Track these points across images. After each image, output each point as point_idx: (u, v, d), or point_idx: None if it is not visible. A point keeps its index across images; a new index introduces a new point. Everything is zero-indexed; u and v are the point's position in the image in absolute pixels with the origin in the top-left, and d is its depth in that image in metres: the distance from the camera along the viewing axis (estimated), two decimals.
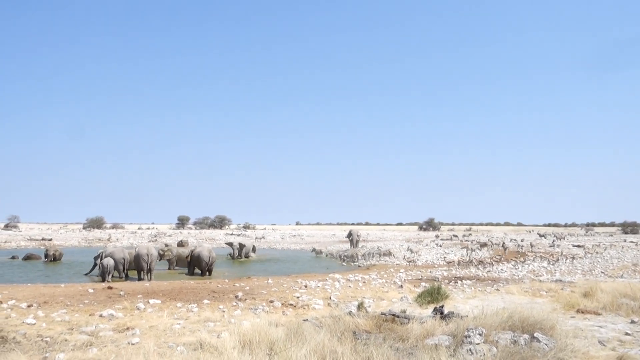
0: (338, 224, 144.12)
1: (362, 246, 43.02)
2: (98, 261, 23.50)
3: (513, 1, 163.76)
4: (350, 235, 44.78)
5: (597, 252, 35.90)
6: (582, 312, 10.24)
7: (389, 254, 34.44)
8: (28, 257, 32.83)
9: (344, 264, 31.96)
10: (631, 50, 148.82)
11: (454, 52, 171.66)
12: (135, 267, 23.05)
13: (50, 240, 53.48)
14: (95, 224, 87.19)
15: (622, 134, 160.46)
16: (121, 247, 26.24)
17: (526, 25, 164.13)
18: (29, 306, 12.87)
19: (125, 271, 23.09)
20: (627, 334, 8.04)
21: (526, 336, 6.46)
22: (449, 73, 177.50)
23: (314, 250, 43.67)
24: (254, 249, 38.09)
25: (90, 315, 11.65)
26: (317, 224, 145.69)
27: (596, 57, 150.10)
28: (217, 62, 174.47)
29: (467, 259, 31.45)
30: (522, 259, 30.96)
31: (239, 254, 35.63)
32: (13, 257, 33.09)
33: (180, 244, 38.74)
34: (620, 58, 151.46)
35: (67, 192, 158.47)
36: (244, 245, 36.29)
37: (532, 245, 42.85)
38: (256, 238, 63.32)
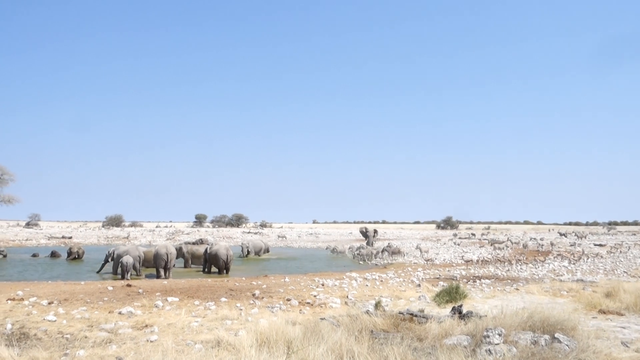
0: (355, 222, 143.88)
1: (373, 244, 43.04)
2: (110, 259, 23.89)
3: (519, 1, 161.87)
4: (365, 232, 44.74)
5: (619, 252, 35.25)
6: (604, 313, 10.05)
7: (398, 252, 34.08)
8: (53, 255, 33.46)
9: (361, 262, 31.87)
10: None
11: (473, 50, 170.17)
12: (154, 265, 23.31)
13: (70, 238, 54.35)
14: (115, 222, 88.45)
15: None
16: (135, 245, 26.52)
17: (544, 22, 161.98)
18: (49, 303, 13.06)
19: (139, 269, 23.33)
20: None
21: (547, 337, 6.35)
22: (466, 72, 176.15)
23: (328, 248, 43.11)
24: (267, 249, 38.02)
25: (109, 312, 11.78)
26: (334, 222, 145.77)
27: (613, 50, 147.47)
28: (235, 59, 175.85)
29: (493, 257, 31.11)
30: (542, 258, 30.53)
31: (247, 253, 35.67)
32: (34, 255, 33.71)
33: (200, 242, 38.96)
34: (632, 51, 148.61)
35: (87, 190, 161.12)
36: (247, 246, 36.26)
37: (552, 244, 42.27)
38: (278, 237, 63.49)
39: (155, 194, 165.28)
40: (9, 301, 13.20)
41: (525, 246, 40.61)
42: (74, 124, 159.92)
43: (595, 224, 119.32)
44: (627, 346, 7.14)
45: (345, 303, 13.65)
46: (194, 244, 32.45)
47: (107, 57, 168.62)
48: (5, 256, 33.01)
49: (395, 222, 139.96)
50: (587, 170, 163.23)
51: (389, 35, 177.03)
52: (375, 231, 49.59)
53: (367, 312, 8.26)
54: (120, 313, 11.58)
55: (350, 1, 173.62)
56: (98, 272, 24.33)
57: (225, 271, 24.72)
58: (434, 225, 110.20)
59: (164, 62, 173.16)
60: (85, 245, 42.19)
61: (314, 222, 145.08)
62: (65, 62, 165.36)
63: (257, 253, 36.38)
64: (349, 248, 39.28)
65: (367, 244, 44.13)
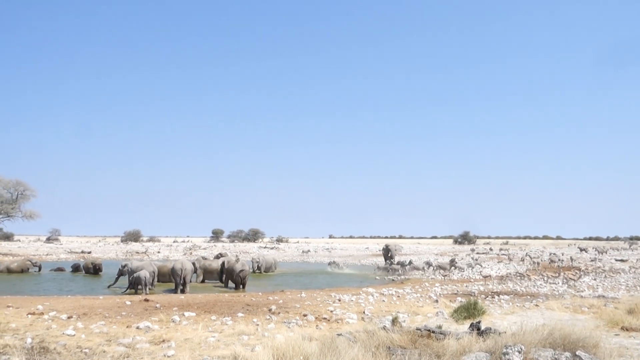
0: (371, 237, 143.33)
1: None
2: (127, 275, 24.13)
3: (520, 8, 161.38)
4: (387, 249, 41.98)
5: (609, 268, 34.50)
6: (627, 330, 9.84)
7: (410, 263, 33.93)
8: (76, 269, 34.05)
9: (377, 277, 31.66)
10: None
11: (487, 62, 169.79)
12: (168, 280, 23.59)
13: (90, 253, 54.94)
14: (133, 237, 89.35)
15: None
16: (149, 260, 26.71)
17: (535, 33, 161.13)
18: (69, 317, 13.19)
19: (153, 284, 23.53)
20: None
21: (568, 354, 6.24)
22: (483, 84, 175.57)
23: (330, 263, 42.06)
24: (275, 265, 37.81)
25: (127, 327, 11.86)
26: (350, 237, 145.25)
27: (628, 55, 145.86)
28: (254, 72, 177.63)
29: (524, 272, 30.69)
30: (566, 274, 30.00)
31: (257, 268, 35.49)
32: (59, 269, 34.30)
33: (219, 256, 39.17)
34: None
35: (106, 205, 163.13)
36: (257, 261, 36.07)
37: (572, 260, 41.56)
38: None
39: (173, 209, 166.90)
40: (29, 315, 13.37)
41: (553, 261, 39.97)
42: (94, 140, 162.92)
43: (616, 238, 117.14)
44: None
45: (362, 319, 13.56)
46: (216, 257, 32.66)
47: (125, 69, 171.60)
48: (40, 269, 34.02)
49: (412, 237, 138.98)
50: (608, 184, 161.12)
51: (411, 46, 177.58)
52: (396, 248, 45.65)
53: (384, 327, 8.20)
54: (137, 328, 11.65)
55: (358, 14, 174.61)
56: (109, 286, 24.48)
57: (241, 286, 24.71)
58: (451, 240, 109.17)
59: (184, 74, 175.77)
60: (104, 260, 42.60)
61: (330, 237, 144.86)
62: (85, 73, 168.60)
63: (267, 269, 36.24)
64: (386, 262, 37.96)
65: (387, 261, 41.04)
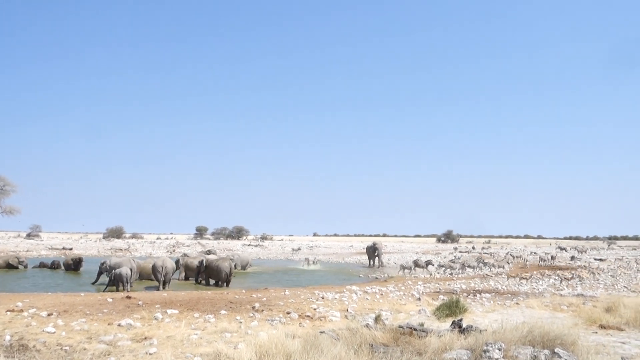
0: (355, 235, 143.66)
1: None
2: (106, 272, 24.07)
3: (526, 8, 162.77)
4: (374, 247, 39.77)
5: (619, 266, 35.13)
6: (605, 328, 10.02)
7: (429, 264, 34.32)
8: (57, 266, 33.59)
9: (361, 275, 31.78)
10: None
11: (470, 62, 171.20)
12: (147, 277, 23.65)
13: (71, 249, 54.24)
14: (115, 233, 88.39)
15: None
16: (128, 257, 26.52)
17: (546, 33, 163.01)
18: (49, 315, 13.03)
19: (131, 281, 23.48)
20: None
21: (547, 351, 6.34)
22: (466, 83, 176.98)
23: (306, 260, 43.09)
24: (250, 263, 37.67)
25: (108, 324, 11.75)
26: (335, 235, 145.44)
27: (616, 65, 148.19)
28: (235, 71, 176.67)
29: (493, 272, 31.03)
30: (543, 273, 30.42)
31: (234, 266, 35.29)
32: (42, 265, 33.92)
33: (209, 252, 39.27)
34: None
35: (88, 202, 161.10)
36: (231, 259, 35.98)
37: (552, 259, 42.15)
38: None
39: (156, 206, 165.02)
40: (8, 312, 13.18)
41: (543, 260, 40.53)
42: (75, 135, 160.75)
43: (595, 238, 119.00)
44: None
45: (345, 316, 13.61)
46: (206, 254, 32.58)
47: (111, 67, 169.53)
48: (26, 267, 33.49)
49: (395, 236, 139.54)
50: (587, 184, 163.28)
51: (390, 46, 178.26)
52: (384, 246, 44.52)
53: (367, 325, 8.25)
54: (119, 325, 11.56)
55: (362, 10, 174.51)
56: (93, 283, 24.32)
57: (226, 284, 24.62)
58: (434, 239, 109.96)
59: (166, 73, 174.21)
60: (86, 257, 42.11)
61: (315, 235, 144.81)
62: (67, 72, 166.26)
63: (243, 267, 36.13)
64: (413, 261, 37.60)
65: (371, 260, 40.21)
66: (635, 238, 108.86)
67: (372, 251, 39.90)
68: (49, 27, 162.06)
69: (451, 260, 36.51)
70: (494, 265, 34.43)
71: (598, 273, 29.44)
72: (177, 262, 27.50)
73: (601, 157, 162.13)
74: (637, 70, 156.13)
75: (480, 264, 34.77)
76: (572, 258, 44.09)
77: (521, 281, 25.37)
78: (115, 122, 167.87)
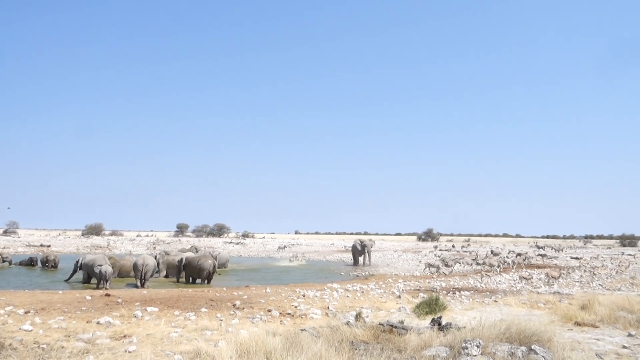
0: (337, 233, 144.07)
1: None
2: (79, 268, 23.98)
3: (521, 4, 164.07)
4: (362, 245, 38.85)
5: (595, 265, 35.85)
6: (580, 325, 10.23)
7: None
8: (33, 263, 33.07)
9: (342, 273, 31.89)
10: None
11: (459, 58, 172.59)
12: (125, 275, 23.61)
13: (49, 246, 53.38)
14: (94, 230, 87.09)
15: (619, 147, 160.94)
16: (103, 254, 26.21)
17: (533, 30, 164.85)
18: (26, 312, 12.84)
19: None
20: (624, 347, 8.04)
21: (523, 348, 6.46)
22: (451, 80, 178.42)
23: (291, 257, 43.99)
24: (228, 261, 37.62)
25: (87, 322, 11.63)
26: (316, 233, 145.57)
27: (598, 67, 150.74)
28: (215, 68, 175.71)
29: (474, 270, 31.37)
30: (522, 271, 30.89)
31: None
32: (22, 263, 33.28)
33: (195, 250, 39.17)
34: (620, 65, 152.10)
35: (66, 198, 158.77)
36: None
37: (518, 255, 42.97)
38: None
39: (137, 203, 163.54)
40: None
41: (526, 258, 41.23)
42: (55, 131, 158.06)
43: (572, 237, 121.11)
44: (601, 358, 7.30)
45: (326, 314, 13.67)
46: (188, 250, 32.36)
47: (92, 63, 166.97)
48: (10, 263, 32.99)
49: (377, 234, 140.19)
50: (564, 184, 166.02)
51: (370, 44, 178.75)
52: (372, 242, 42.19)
53: (348, 323, 8.30)
54: (98, 323, 11.44)
55: (353, 7, 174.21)
56: (67, 280, 24.06)
57: (207, 282, 24.49)
58: (415, 237, 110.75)
59: (147, 70, 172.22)
60: (64, 254, 41.55)
61: (297, 232, 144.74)
62: (52, 67, 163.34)
63: (221, 265, 36.00)
64: (440, 259, 37.08)
65: (356, 259, 39.41)
66: (610, 237, 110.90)
67: (362, 249, 39.00)
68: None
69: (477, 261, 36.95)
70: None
71: (595, 271, 29.99)
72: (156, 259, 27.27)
73: (578, 158, 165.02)
74: (620, 69, 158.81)
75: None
76: (543, 256, 44.76)
77: (499, 280, 25.73)
78: (96, 119, 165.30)
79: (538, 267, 34.59)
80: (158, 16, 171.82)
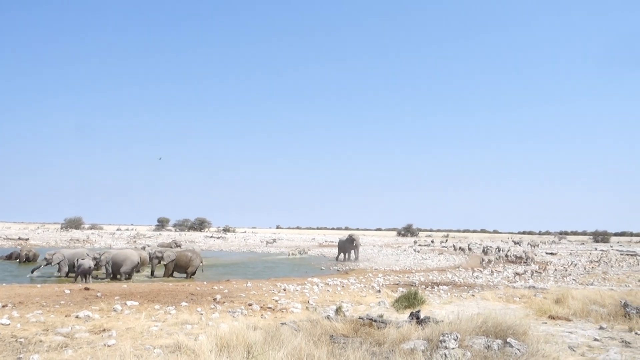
0: (318, 228, 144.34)
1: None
2: (50, 263, 23.68)
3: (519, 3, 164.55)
4: (352, 239, 37.97)
5: (569, 261, 36.60)
6: (554, 318, 10.47)
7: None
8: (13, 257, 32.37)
9: (322, 268, 32.03)
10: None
11: (449, 55, 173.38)
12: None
13: (27, 239, 52.53)
14: (74, 224, 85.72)
15: (595, 147, 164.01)
16: (83, 249, 25.92)
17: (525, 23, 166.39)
18: (3, 306, 12.67)
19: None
20: (595, 339, 8.27)
21: (499, 341, 6.62)
22: (436, 77, 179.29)
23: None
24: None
25: (66, 316, 11.52)
26: (297, 227, 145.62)
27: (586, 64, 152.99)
28: (196, 61, 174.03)
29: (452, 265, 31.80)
30: (499, 266, 31.42)
31: None
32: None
33: (176, 244, 39.12)
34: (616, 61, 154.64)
35: (45, 191, 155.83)
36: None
37: (501, 251, 43.74)
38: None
39: (117, 197, 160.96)
40: None
41: (507, 255, 41.81)
42: (31, 123, 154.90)
43: (547, 233, 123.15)
44: (573, 350, 7.51)
45: (307, 308, 13.76)
46: (168, 245, 32.11)
47: (79, 58, 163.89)
48: None
49: (357, 229, 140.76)
50: (540, 182, 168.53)
51: (346, 37, 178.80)
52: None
53: (328, 317, 8.39)
54: (77, 317, 11.35)
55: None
56: (32, 271, 23.76)
57: (191, 275, 24.45)
58: (394, 232, 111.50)
59: (135, 63, 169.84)
60: (42, 248, 40.88)
61: (278, 227, 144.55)
62: (38, 62, 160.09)
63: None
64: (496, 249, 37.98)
65: (345, 255, 38.69)
66: (584, 233, 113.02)
67: (350, 243, 38.37)
68: None
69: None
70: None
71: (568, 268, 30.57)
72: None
73: (555, 157, 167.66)
74: (596, 68, 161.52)
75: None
76: (517, 257, 45.60)
77: (475, 274, 26.14)
78: (73, 111, 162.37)
79: (518, 262, 35.20)
80: (141, 8, 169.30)
